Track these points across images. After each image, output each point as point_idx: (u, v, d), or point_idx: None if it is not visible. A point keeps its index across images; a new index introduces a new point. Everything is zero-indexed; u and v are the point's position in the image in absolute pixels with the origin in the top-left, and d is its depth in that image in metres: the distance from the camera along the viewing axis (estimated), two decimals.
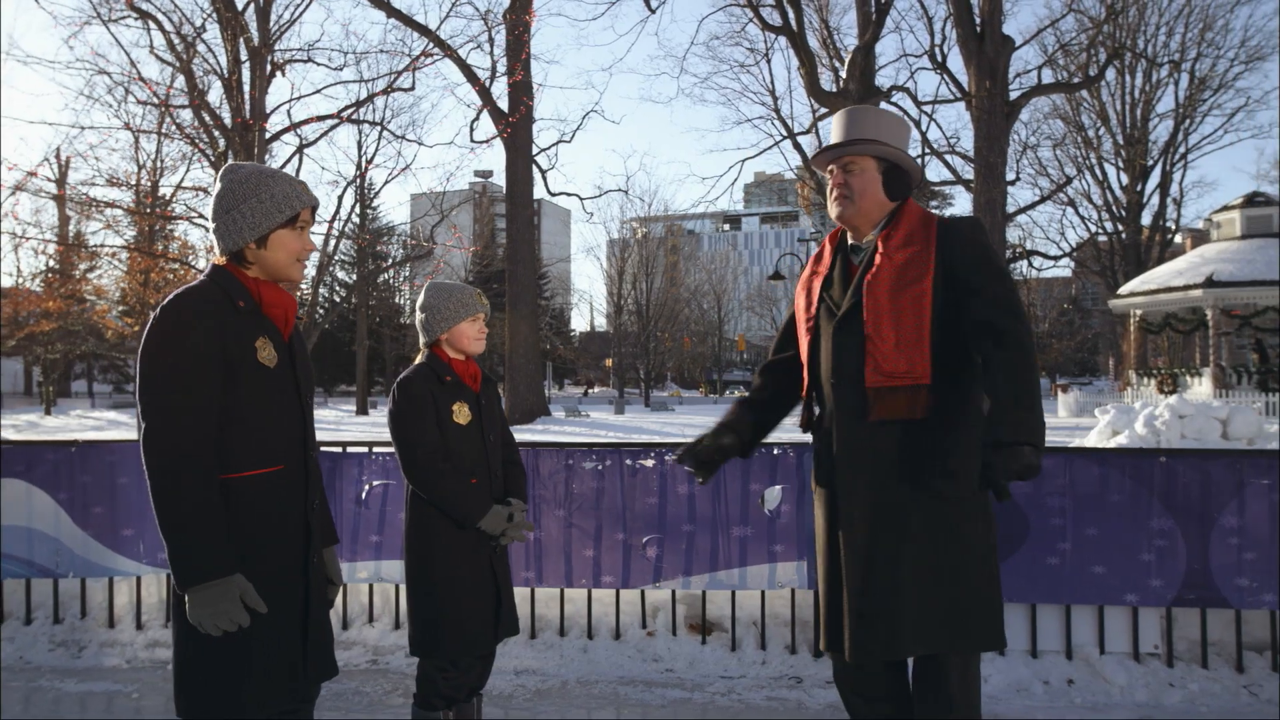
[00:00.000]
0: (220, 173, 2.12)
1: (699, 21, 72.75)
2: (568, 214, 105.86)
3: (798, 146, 33.05)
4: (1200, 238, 41.09)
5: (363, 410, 32.52)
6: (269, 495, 2.01)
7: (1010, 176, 33.57)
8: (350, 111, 21.16)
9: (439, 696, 2.96)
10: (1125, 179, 46.25)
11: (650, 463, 4.37)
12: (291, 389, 2.09)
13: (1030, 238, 51.66)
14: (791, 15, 21.74)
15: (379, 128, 24.96)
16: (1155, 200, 46.82)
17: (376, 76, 22.08)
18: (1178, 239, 50.25)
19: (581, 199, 38.67)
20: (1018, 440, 2.14)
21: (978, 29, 24.15)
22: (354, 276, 47.18)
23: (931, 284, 2.34)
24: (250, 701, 1.94)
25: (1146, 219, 46.76)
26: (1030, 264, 49.32)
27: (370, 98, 21.40)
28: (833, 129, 2.58)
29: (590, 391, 78.12)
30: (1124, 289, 33.31)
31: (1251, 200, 31.46)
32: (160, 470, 1.87)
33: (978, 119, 24.41)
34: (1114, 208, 46.61)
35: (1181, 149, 46.47)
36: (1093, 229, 48.83)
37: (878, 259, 2.41)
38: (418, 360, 3.04)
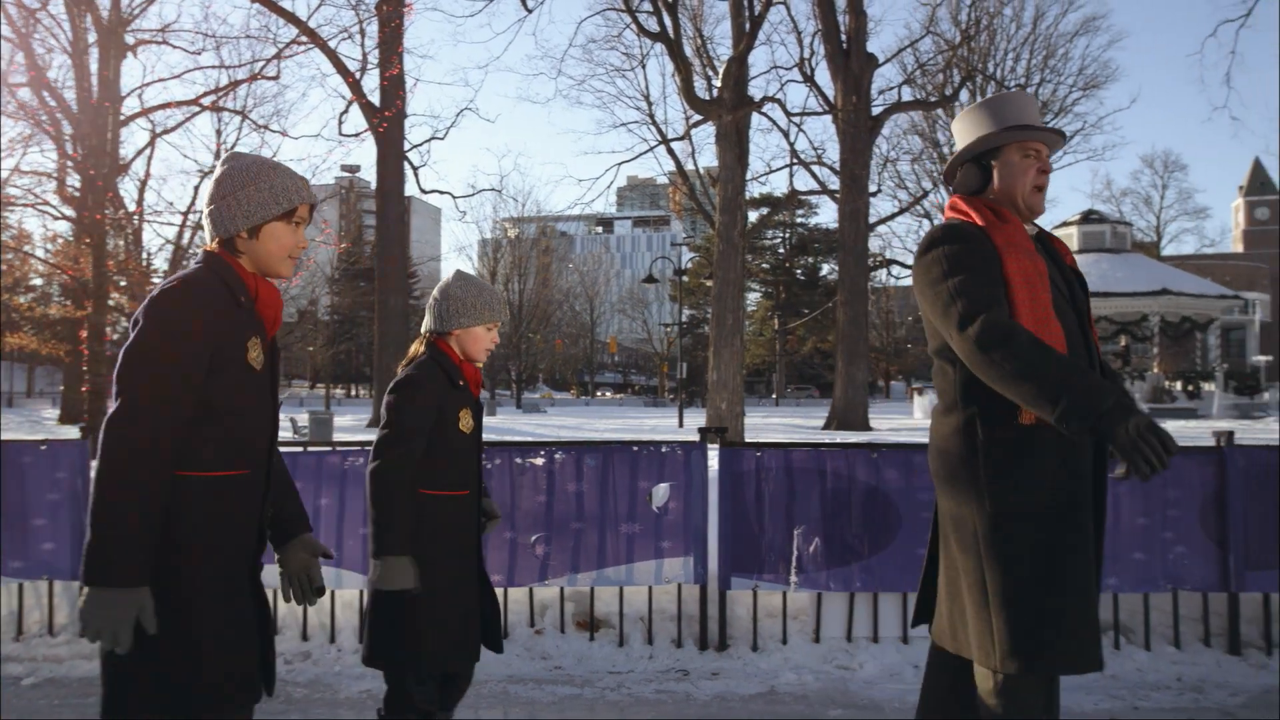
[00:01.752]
0: (223, 158, 2.07)
1: (577, 24, 72.78)
2: (439, 212, 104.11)
3: (671, 152, 33.53)
4: None
5: None
6: (230, 498, 1.95)
7: (873, 188, 35.01)
8: (211, 98, 20.19)
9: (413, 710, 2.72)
10: None
11: (540, 461, 4.38)
12: (269, 392, 2.04)
13: (890, 247, 53.98)
14: (669, 23, 22.08)
15: (240, 116, 23.90)
16: None
17: (239, 64, 21.15)
18: None
19: (454, 197, 38.20)
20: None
21: (844, 46, 25.15)
22: None
23: None
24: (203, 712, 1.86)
25: None
26: (890, 272, 51.61)
27: (233, 85, 20.46)
28: (1024, 109, 2.52)
29: None
30: None
31: (1087, 218, 33.91)
32: (118, 456, 1.77)
33: (843, 132, 25.41)
34: None
35: None
36: None
37: (1069, 262, 2.51)
38: (421, 351, 2.77)
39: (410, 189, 27.99)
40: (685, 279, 56.86)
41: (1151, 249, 59.61)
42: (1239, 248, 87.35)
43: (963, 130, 2.59)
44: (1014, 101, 2.54)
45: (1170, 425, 25.41)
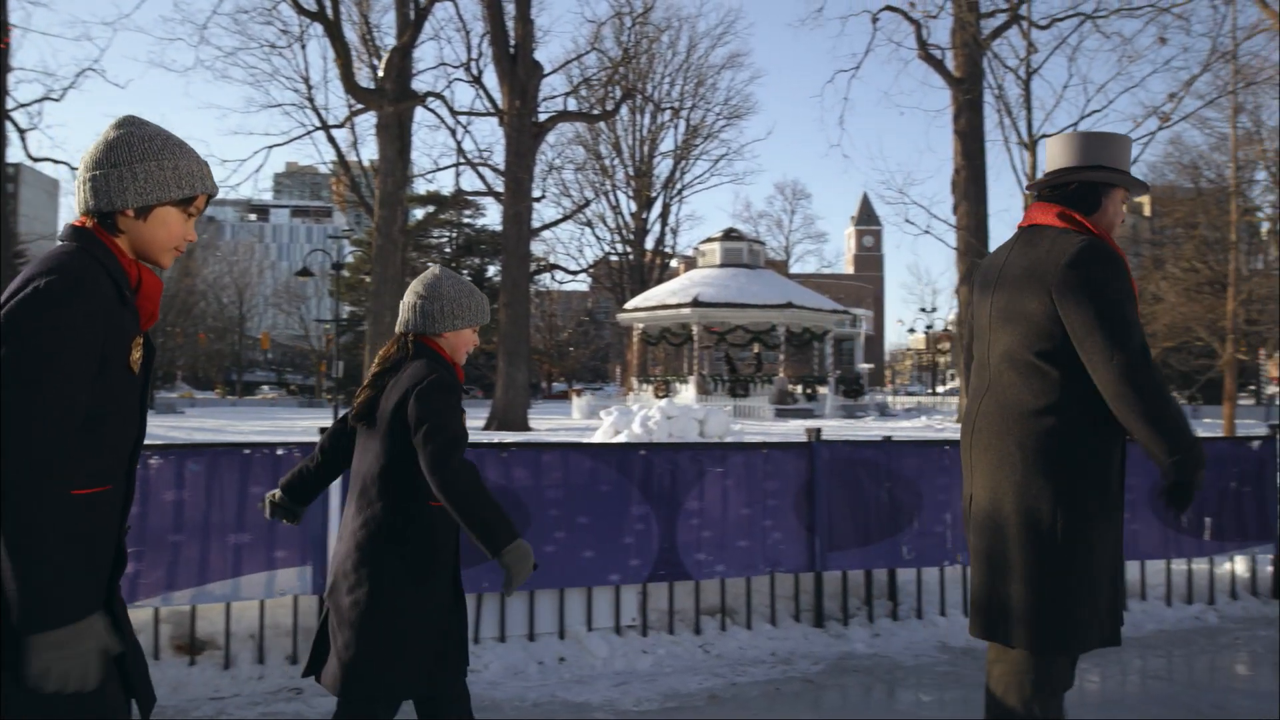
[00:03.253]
0: (118, 120, 1.78)
1: None
2: (55, 185, 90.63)
3: (332, 140, 31.85)
4: (690, 263, 47.31)
5: None
6: (96, 518, 1.68)
7: (537, 193, 35.64)
8: None
9: None
10: (634, 206, 51.82)
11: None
12: (140, 398, 1.77)
13: (554, 252, 55.60)
14: (328, 3, 20.96)
15: None
16: (657, 228, 53.06)
17: None
18: (674, 263, 57.53)
19: (73, 168, 33.40)
20: None
21: (511, 51, 25.41)
22: None
23: None
24: None
25: (650, 244, 52.82)
26: (553, 277, 53.08)
27: None
28: (1127, 159, 2.78)
29: None
30: (628, 305, 37.28)
31: (728, 235, 37.10)
32: (20, 482, 1.50)
33: (509, 136, 25.63)
34: (624, 231, 51.96)
35: (679, 185, 53.23)
36: (606, 249, 53.94)
37: None
38: (414, 358, 2.49)
39: (17, 155, 24.02)
40: (346, 274, 54.41)
41: (782, 267, 66.63)
42: (850, 269, 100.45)
43: (1107, 153, 2.74)
44: (1130, 150, 2.82)
45: (792, 424, 28.43)
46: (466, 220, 62.26)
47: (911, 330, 63.78)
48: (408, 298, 2.63)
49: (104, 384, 1.65)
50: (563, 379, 72.82)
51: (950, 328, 51.84)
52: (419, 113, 23.95)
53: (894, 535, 4.87)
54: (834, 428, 23.64)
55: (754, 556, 4.71)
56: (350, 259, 57.39)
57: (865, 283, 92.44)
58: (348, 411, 2.67)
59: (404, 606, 2.41)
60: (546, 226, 47.44)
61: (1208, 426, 28.92)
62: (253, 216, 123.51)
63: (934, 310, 56.43)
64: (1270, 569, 5.44)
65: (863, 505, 4.83)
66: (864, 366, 48.94)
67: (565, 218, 47.90)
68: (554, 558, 4.33)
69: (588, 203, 49.96)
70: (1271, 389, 49.35)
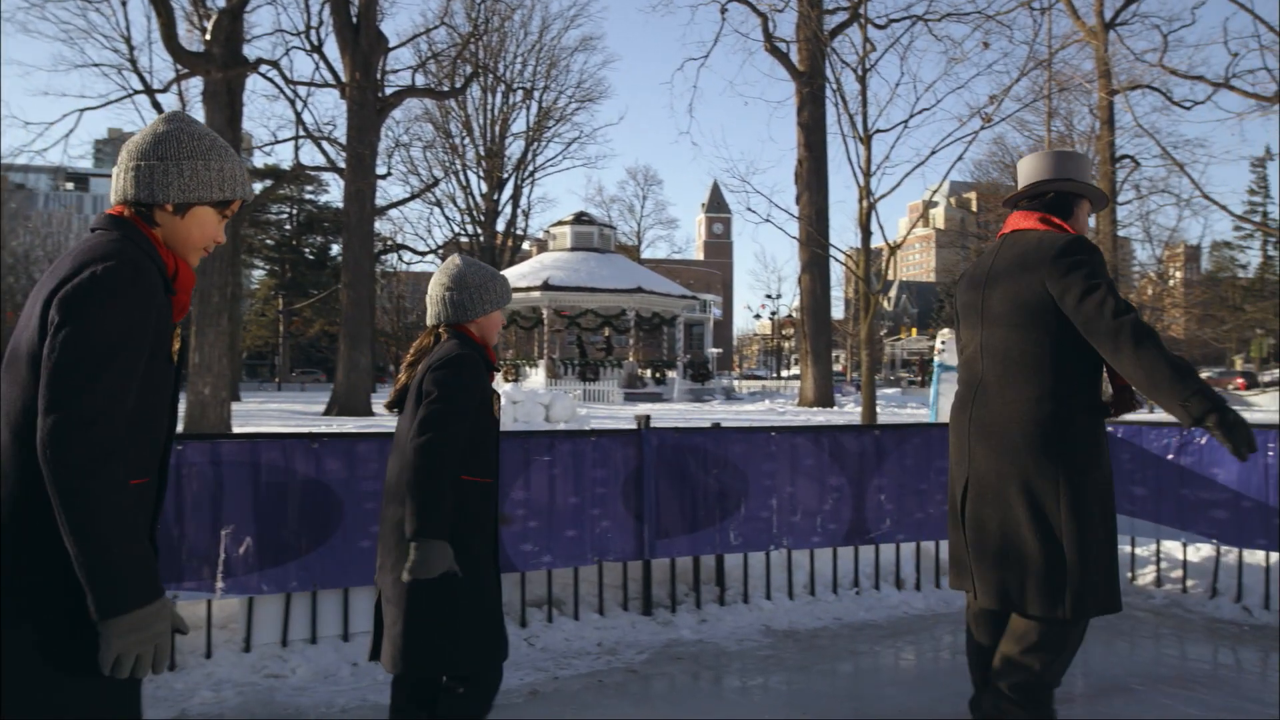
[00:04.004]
0: (166, 115, 1.80)
1: None
2: None
3: (157, 105, 29.79)
4: (543, 246, 46.95)
5: None
6: (137, 510, 1.64)
7: (382, 171, 34.45)
8: None
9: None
10: (485, 187, 50.90)
11: None
12: (175, 390, 1.78)
13: (401, 232, 53.96)
14: None
15: None
16: (509, 210, 52.34)
17: None
18: (526, 245, 56.92)
19: None
20: None
21: (354, 20, 24.34)
22: None
23: None
24: None
25: (501, 225, 52.06)
26: (400, 257, 51.53)
27: None
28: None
29: None
30: None
31: (579, 219, 36.96)
32: (86, 469, 1.50)
33: (351, 110, 24.59)
34: (475, 212, 50.97)
35: (531, 167, 52.65)
36: (456, 229, 52.82)
37: None
38: (448, 340, 2.63)
39: None
40: None
41: (633, 252, 67.12)
42: (700, 256, 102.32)
43: (1076, 169, 3.13)
44: (1089, 166, 3.26)
45: (642, 408, 28.69)
46: (308, 196, 59.57)
47: (758, 316, 65.57)
48: (434, 290, 2.73)
49: (146, 374, 1.65)
50: None
51: (794, 314, 53.60)
52: (257, 81, 22.65)
53: (721, 521, 4.90)
54: (680, 411, 24.00)
55: (582, 546, 4.63)
56: None
57: (715, 269, 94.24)
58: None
59: (444, 584, 2.44)
60: (393, 205, 46.01)
61: None
62: (70, 185, 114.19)
63: (779, 297, 58.19)
64: None
65: (691, 492, 4.83)
66: (713, 351, 49.98)
67: (413, 196, 46.59)
68: (370, 552, 4.11)
69: (436, 182, 48.73)
70: None
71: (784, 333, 64.86)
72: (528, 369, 34.71)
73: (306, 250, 60.37)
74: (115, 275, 1.58)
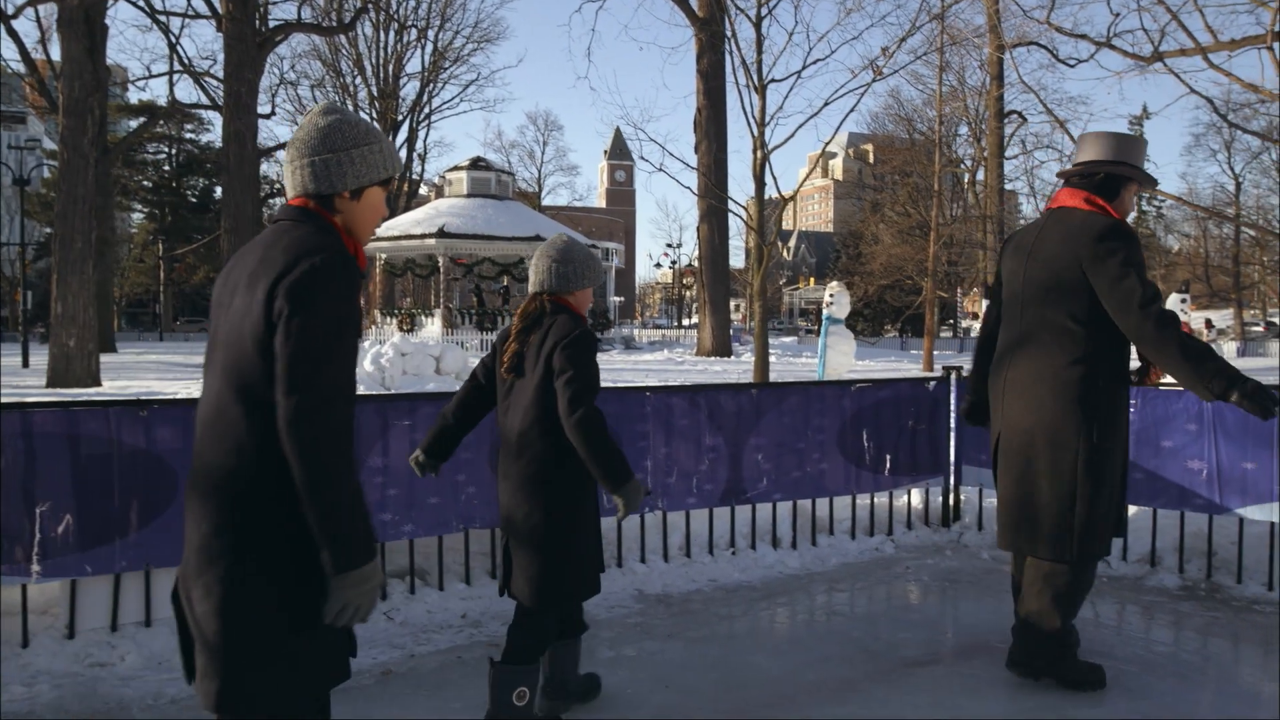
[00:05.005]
0: (316, 108, 1.97)
1: None
2: None
3: (12, 33, 27.61)
4: (439, 192, 45.72)
5: None
6: None
7: (265, 110, 32.80)
8: None
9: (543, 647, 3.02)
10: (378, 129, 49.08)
11: None
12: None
13: None
14: None
15: None
16: (404, 153, 50.67)
17: None
18: (424, 190, 55.24)
19: None
20: None
21: None
22: None
23: None
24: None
25: None
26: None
27: None
28: (1141, 155, 3.44)
29: None
30: None
31: (476, 164, 36.00)
32: (326, 445, 1.71)
33: (228, 44, 23.17)
34: None
35: (426, 110, 51.00)
36: None
37: None
38: (556, 313, 2.95)
39: None
40: (43, 190, 47.97)
41: (534, 198, 66.02)
42: (602, 204, 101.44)
43: (1130, 152, 3.38)
44: (1144, 150, 3.44)
45: None
46: (189, 135, 56.39)
47: (658, 265, 65.57)
48: (541, 261, 3.04)
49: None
50: None
51: (694, 263, 53.71)
52: (126, 10, 21.03)
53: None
54: None
55: (446, 513, 4.42)
56: (48, 174, 50.52)
57: (617, 217, 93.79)
58: (478, 369, 3.21)
59: (569, 524, 2.90)
60: (281, 146, 43.98)
61: (913, 357, 32.01)
62: None
63: (680, 246, 58.20)
64: (940, 500, 5.87)
65: None
66: (614, 300, 49.80)
67: None
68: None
69: None
70: (967, 323, 55.38)
71: (685, 282, 65.09)
72: (423, 319, 33.90)
73: (188, 193, 57.36)
74: (331, 266, 1.75)
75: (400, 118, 49.39)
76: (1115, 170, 3.36)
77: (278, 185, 47.70)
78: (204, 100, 36.81)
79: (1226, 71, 9.69)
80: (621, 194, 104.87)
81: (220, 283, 1.91)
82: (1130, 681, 3.49)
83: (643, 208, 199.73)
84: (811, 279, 65.15)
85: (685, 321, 68.69)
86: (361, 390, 15.35)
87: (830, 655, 3.79)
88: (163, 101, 42.01)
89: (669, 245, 58.42)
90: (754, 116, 14.17)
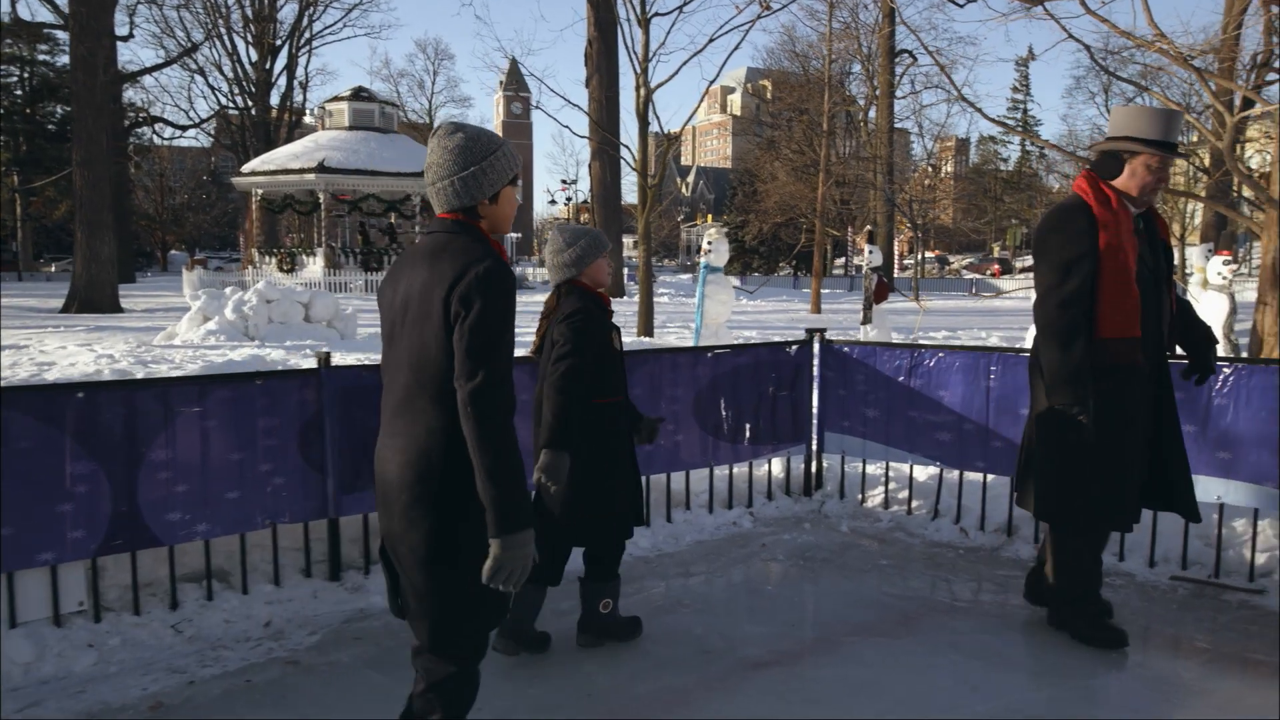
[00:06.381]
0: (442, 130, 2.25)
1: None
2: None
3: None
4: (323, 124, 43.51)
5: None
6: None
7: (123, 31, 30.33)
8: None
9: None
10: (255, 55, 46.19)
11: None
12: None
13: (159, 103, 48.39)
14: None
15: None
16: (284, 82, 47.93)
17: None
18: (309, 119, 52.38)
19: None
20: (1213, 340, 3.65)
21: None
22: None
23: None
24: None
25: (276, 99, 47.66)
26: (155, 131, 46.30)
27: None
28: (1166, 126, 3.38)
29: None
30: (246, 167, 33.43)
31: (357, 95, 34.22)
32: (497, 422, 2.05)
33: None
34: (245, 83, 46.33)
35: (307, 34, 48.22)
36: (224, 102, 47.96)
37: (1163, 236, 3.57)
38: (569, 292, 3.34)
39: None
40: None
41: (425, 130, 63.55)
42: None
43: (1117, 124, 3.47)
44: (1163, 120, 3.37)
45: None
46: (42, 57, 51.97)
47: (553, 201, 64.30)
48: (549, 259, 3.43)
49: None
50: (182, 247, 65.05)
51: (589, 200, 52.89)
52: None
53: None
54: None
55: (249, 509, 3.93)
56: None
57: (514, 150, 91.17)
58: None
59: (599, 479, 3.34)
60: (144, 71, 41.08)
61: (805, 296, 32.25)
62: None
63: (575, 182, 57.07)
64: (802, 468, 5.66)
65: None
66: (511, 236, 48.63)
67: (166, 63, 41.76)
68: None
69: (196, 46, 43.69)
70: (859, 260, 56.19)
71: (581, 219, 63.92)
72: (305, 258, 32.36)
73: (45, 120, 53.10)
74: (490, 272, 2.08)
75: (279, 43, 46.59)
76: (1106, 146, 3.47)
77: (144, 115, 44.55)
78: (51, 20, 33.86)
79: (1102, 18, 9.58)
80: (518, 127, 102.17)
81: (388, 288, 2.28)
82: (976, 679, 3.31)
83: (540, 141, 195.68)
84: (709, 215, 65.02)
85: None
86: (222, 340, 14.41)
87: (665, 659, 3.50)
88: (4, 18, 38.42)
89: (564, 181, 57.18)
90: (636, 54, 13.60)
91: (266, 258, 32.55)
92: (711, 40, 13.41)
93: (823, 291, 26.12)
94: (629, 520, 3.50)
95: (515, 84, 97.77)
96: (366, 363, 4.42)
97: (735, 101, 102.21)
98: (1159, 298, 3.51)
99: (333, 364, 4.13)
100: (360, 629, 3.77)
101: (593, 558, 3.53)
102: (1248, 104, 10.67)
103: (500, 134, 2.41)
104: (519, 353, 3.19)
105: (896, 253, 41.80)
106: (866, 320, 13.50)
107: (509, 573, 2.04)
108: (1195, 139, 17.11)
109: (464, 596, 2.16)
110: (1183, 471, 3.58)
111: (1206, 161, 17.01)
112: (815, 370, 5.53)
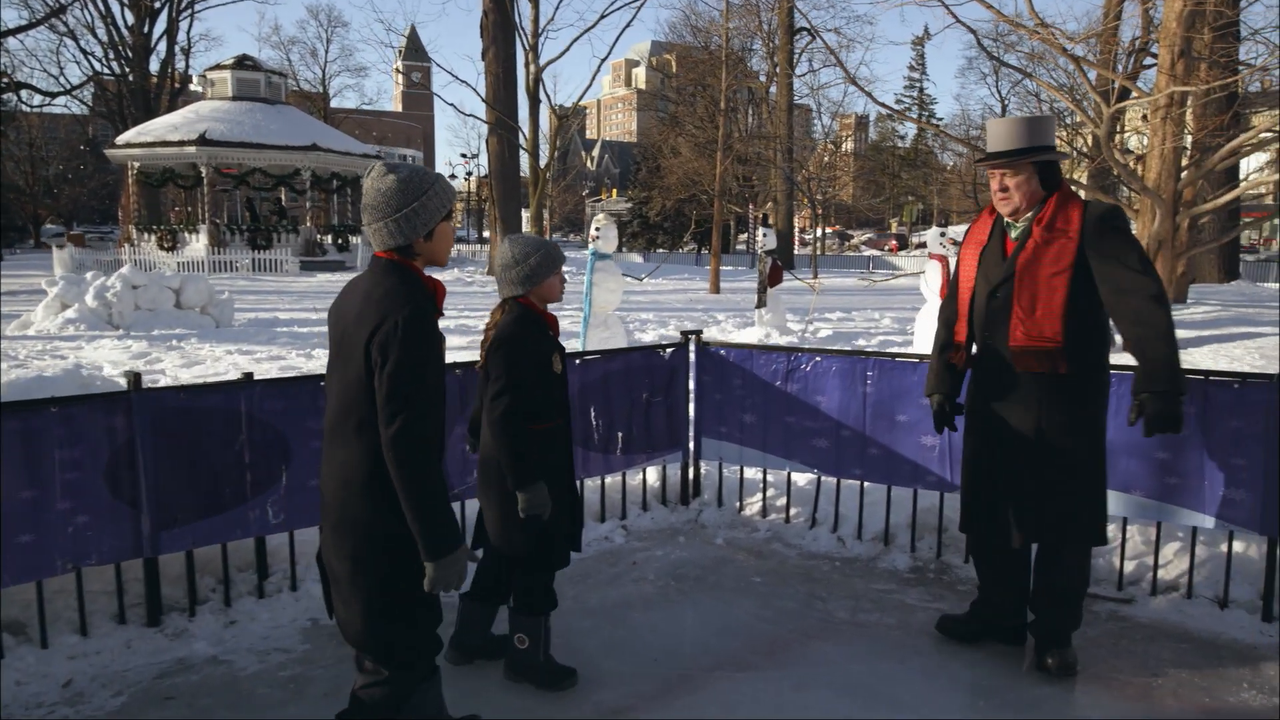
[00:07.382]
0: (375, 172, 2.37)
1: None
2: None
3: None
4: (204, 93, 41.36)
5: None
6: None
7: None
8: None
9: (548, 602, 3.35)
10: (131, 18, 43.53)
11: None
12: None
13: (25, 67, 45.17)
14: None
15: None
16: (164, 47, 45.40)
17: None
18: (195, 88, 49.69)
19: None
20: (1173, 390, 3.09)
21: None
22: None
23: (1073, 268, 3.19)
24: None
25: (156, 66, 45.11)
26: (21, 97, 43.30)
27: None
28: (991, 137, 3.41)
29: None
30: (120, 139, 31.60)
31: (241, 63, 32.59)
32: (419, 462, 2.24)
33: None
34: (120, 47, 43.67)
35: None
36: (99, 67, 45.17)
37: (1030, 244, 3.28)
38: (510, 311, 3.20)
39: None
40: None
41: (319, 100, 61.14)
42: (398, 107, 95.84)
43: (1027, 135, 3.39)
44: (990, 130, 3.45)
45: (319, 278, 26.47)
46: None
47: (453, 176, 62.91)
48: (498, 271, 3.29)
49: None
50: (59, 220, 61.31)
51: (489, 176, 51.78)
52: None
53: (257, 497, 3.93)
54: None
55: (46, 553, 3.48)
56: None
57: (415, 122, 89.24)
58: None
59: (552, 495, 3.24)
60: (7, 33, 38.34)
61: (705, 274, 32.21)
62: None
63: (476, 156, 55.80)
64: (679, 476, 5.44)
65: (209, 467, 3.80)
66: None
67: (32, 24, 39.08)
68: None
69: (64, 7, 40.89)
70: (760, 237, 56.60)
71: (483, 195, 62.50)
72: (188, 235, 30.77)
73: None
74: (409, 321, 2.25)
75: (157, 5, 44.03)
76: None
77: (7, 79, 41.63)
78: None
79: (987, 4, 9.60)
80: (419, 98, 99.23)
81: (335, 311, 2.43)
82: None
83: (442, 113, 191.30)
84: (614, 190, 64.56)
85: (488, 234, 66.49)
86: (82, 329, 13.45)
87: (506, 706, 3.22)
88: None
89: (464, 155, 55.81)
90: (525, 28, 13.12)
91: (146, 235, 30.85)
92: (603, 17, 13.10)
93: (724, 269, 26.09)
94: (564, 548, 3.36)
95: (415, 53, 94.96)
96: (192, 383, 3.98)
97: (640, 75, 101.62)
98: (988, 305, 3.40)
99: (143, 385, 3.70)
100: (174, 685, 3.37)
101: (523, 587, 3.34)
102: (1125, 93, 10.86)
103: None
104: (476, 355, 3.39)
105: (797, 228, 42.22)
106: (761, 304, 13.43)
107: (446, 584, 2.30)
108: (1079, 120, 17.51)
109: (382, 607, 2.38)
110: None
111: (1089, 145, 17.45)
112: (692, 374, 5.30)
